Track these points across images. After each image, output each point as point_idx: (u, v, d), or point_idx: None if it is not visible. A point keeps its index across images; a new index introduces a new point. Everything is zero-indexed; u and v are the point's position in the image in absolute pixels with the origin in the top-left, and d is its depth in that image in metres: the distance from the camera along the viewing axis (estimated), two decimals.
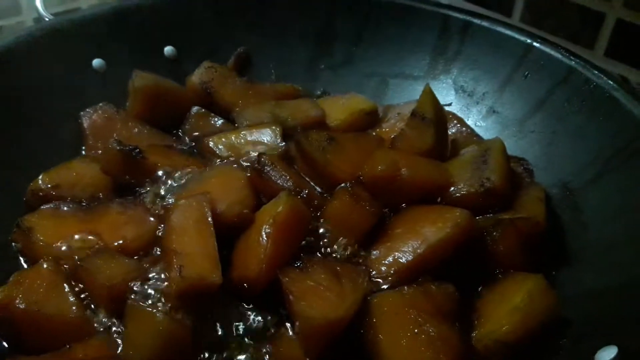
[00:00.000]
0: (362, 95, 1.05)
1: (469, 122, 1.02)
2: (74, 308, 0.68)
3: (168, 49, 1.09)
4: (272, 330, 0.69)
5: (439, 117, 0.89)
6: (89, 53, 1.02)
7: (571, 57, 0.95)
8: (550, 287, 0.71)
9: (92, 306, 0.69)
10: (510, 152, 0.89)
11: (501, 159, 0.83)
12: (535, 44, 0.99)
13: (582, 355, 0.63)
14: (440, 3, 1.12)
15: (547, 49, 0.97)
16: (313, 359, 0.64)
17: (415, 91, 1.07)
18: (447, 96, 1.08)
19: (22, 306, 0.66)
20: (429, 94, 0.89)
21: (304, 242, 0.75)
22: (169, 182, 0.84)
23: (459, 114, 1.04)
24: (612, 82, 0.89)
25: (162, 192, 0.82)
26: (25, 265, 0.76)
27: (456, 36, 1.07)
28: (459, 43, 1.07)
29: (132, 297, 0.66)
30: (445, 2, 1.18)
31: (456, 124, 0.99)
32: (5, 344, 0.67)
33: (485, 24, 1.04)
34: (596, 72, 0.91)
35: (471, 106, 1.06)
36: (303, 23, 1.14)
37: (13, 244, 0.78)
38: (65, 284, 0.69)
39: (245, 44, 1.13)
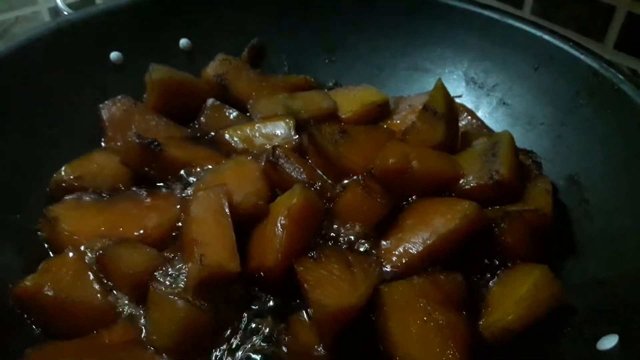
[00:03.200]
0: (373, 86, 1.07)
1: (479, 114, 1.04)
2: (98, 295, 0.71)
3: (183, 42, 1.11)
4: (288, 317, 0.72)
5: (450, 111, 0.90)
6: (106, 46, 1.04)
7: (580, 50, 0.95)
8: (555, 278, 0.73)
9: (115, 293, 0.72)
10: (519, 144, 0.91)
11: (510, 152, 0.85)
12: (545, 36, 0.99)
13: (585, 342, 0.66)
14: None
15: (557, 42, 0.98)
16: (327, 344, 0.67)
17: (426, 82, 1.09)
18: (458, 88, 1.09)
19: (50, 293, 0.69)
20: (440, 89, 0.90)
21: (318, 233, 0.77)
22: (187, 174, 0.87)
23: (470, 106, 1.05)
24: (620, 75, 0.89)
25: (181, 184, 0.86)
26: (50, 253, 0.80)
27: (467, 28, 1.08)
28: (469, 35, 1.08)
29: (154, 285, 0.69)
30: None
31: (467, 116, 1.01)
32: (36, 329, 0.71)
33: (495, 16, 1.05)
34: (604, 64, 0.92)
35: (482, 98, 1.07)
36: (315, 15, 1.15)
37: (39, 232, 0.81)
38: (90, 272, 0.73)
39: (259, 36, 1.15)
